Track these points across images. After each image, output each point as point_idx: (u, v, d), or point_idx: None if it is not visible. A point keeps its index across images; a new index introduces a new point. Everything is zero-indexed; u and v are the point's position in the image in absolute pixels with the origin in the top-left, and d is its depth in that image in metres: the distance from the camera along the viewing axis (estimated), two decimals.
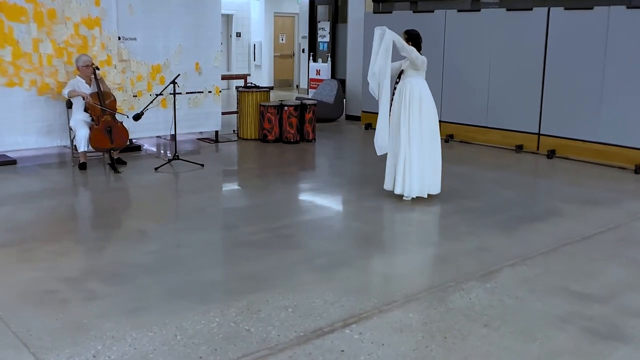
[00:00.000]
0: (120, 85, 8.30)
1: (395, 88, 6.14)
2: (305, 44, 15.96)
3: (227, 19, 17.07)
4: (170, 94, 7.62)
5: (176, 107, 8.54)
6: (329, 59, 13.96)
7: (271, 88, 17.42)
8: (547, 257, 4.84)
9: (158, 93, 7.84)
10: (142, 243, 4.99)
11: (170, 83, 7.52)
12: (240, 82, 11.73)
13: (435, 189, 6.25)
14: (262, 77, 17.36)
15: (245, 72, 17.40)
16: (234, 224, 5.57)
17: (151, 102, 7.53)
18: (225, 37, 17.25)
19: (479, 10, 9.36)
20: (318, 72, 13.02)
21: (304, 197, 6.75)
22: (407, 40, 6.03)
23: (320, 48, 15.58)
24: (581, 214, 6.08)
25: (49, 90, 7.71)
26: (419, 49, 6.11)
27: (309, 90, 13.21)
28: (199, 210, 5.99)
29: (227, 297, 3.98)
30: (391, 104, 6.05)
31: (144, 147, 8.89)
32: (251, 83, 10.49)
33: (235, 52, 17.30)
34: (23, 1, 7.40)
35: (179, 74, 7.82)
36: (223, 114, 9.68)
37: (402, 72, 6.16)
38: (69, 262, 4.53)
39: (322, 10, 15.63)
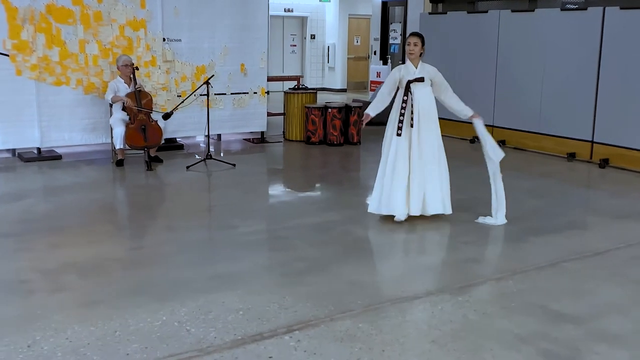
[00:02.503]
0: (164, 85, 8.58)
1: (405, 101, 5.57)
2: (377, 46, 15.83)
3: (302, 21, 17.24)
4: (202, 95, 7.79)
5: (221, 107, 8.88)
6: (389, 61, 13.75)
7: (344, 90, 17.50)
8: (541, 272, 4.52)
9: (190, 93, 8.03)
10: (133, 238, 5.13)
11: (204, 83, 7.67)
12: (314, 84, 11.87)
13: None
14: (336, 79, 17.39)
15: (319, 74, 17.54)
16: (234, 224, 5.58)
17: (182, 102, 7.72)
18: (300, 39, 17.43)
19: (533, 11, 8.90)
20: (378, 74, 12.86)
21: (320, 200, 6.70)
22: (423, 45, 5.69)
23: (391, 50, 15.39)
24: (607, 227, 5.64)
25: (94, 90, 8.09)
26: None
27: (370, 92, 13.11)
28: (208, 208, 6.07)
29: (186, 296, 3.99)
30: (401, 117, 5.57)
31: (201, 144, 9.13)
32: (303, 85, 10.51)
33: (309, 54, 17.42)
34: (70, 4, 7.81)
35: (212, 75, 7.98)
36: (270, 115, 9.77)
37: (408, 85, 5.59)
38: (57, 253, 4.71)
39: (393, 11, 15.43)
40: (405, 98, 5.53)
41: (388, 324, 3.68)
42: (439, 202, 5.60)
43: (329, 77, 17.58)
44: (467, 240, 5.20)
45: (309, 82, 17.46)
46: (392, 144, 5.63)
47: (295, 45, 17.34)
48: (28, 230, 5.23)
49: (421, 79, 5.55)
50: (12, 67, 7.62)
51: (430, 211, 5.59)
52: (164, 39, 8.49)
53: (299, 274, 4.42)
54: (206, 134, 8.97)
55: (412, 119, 5.51)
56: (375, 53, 16.07)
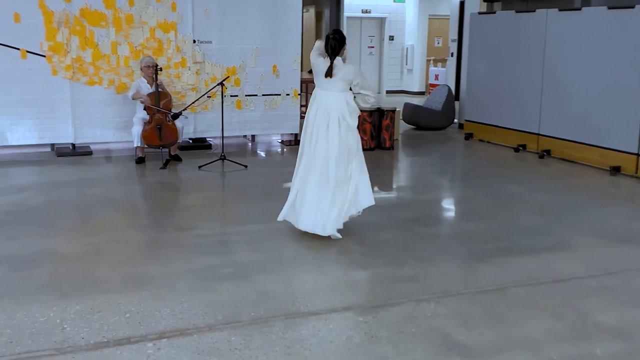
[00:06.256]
0: (194, 86, 8.75)
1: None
2: (454, 48, 15.26)
3: (381, 22, 16.96)
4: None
5: (252, 108, 9.11)
6: (448, 63, 13.19)
7: (422, 93, 17.03)
8: (477, 297, 4.13)
9: (202, 95, 8.14)
10: (88, 235, 5.25)
11: (218, 84, 7.74)
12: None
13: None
14: (413, 81, 16.95)
15: (397, 76, 17.21)
16: (194, 226, 5.54)
17: (193, 102, 7.82)
18: (378, 40, 17.16)
19: (580, 9, 8.17)
20: (437, 77, 12.38)
21: None
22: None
23: None
24: (597, 252, 5.05)
25: (125, 89, 8.37)
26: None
27: (427, 95, 12.68)
28: (185, 208, 6.12)
29: (90, 294, 4.02)
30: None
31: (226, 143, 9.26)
32: None
33: (387, 56, 17.10)
34: (103, 7, 8.16)
35: (228, 76, 8.03)
36: None
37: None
38: (7, 245, 4.90)
39: None
40: None
41: (262, 339, 3.50)
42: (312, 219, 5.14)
43: (407, 79, 17.17)
44: (422, 256, 4.86)
45: (387, 85, 17.19)
46: None
47: (373, 47, 17.08)
48: (2, 221, 5.50)
49: None
50: (48, 68, 8.09)
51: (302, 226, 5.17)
52: (194, 41, 8.66)
53: (216, 280, 4.32)
54: (238, 134, 9.22)
55: None
56: (452, 55, 15.51)
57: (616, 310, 3.94)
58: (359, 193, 5.24)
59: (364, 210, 5.36)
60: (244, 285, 4.25)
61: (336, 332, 3.62)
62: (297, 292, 4.17)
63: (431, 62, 16.25)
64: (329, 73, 5.06)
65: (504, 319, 3.83)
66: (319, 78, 5.19)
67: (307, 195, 5.13)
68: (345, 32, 15.80)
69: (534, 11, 8.82)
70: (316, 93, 5.24)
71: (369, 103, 5.23)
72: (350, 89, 5.18)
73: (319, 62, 5.17)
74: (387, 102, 13.92)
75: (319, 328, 3.65)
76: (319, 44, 5.25)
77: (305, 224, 5.14)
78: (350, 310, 3.91)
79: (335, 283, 4.41)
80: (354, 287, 4.32)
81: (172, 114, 7.65)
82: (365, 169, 5.30)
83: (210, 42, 8.77)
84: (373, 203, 5.30)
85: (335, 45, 5.05)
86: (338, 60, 5.10)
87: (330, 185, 5.07)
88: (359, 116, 8.85)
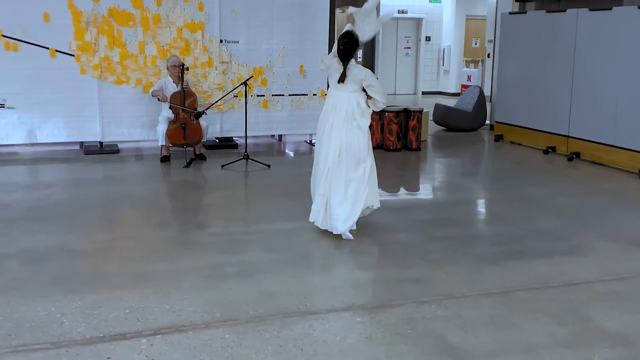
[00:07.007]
0: (221, 85, 8.82)
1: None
2: (491, 49, 15.02)
3: (417, 22, 16.81)
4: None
5: (278, 108, 9.15)
6: (481, 64, 12.98)
7: (457, 94, 16.80)
8: (480, 300, 4.05)
9: (227, 92, 8.20)
10: (104, 231, 5.34)
11: (241, 84, 7.78)
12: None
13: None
14: (450, 82, 16.73)
15: (434, 77, 17.03)
16: (209, 224, 5.60)
17: (216, 102, 7.87)
18: (415, 41, 17.01)
19: (611, 9, 7.93)
20: (469, 78, 12.20)
21: None
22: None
23: None
24: (610, 256, 4.91)
25: None
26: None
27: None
28: (203, 207, 6.17)
29: (94, 290, 4.08)
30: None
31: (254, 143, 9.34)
32: None
33: (423, 57, 16.92)
34: (131, 7, 8.30)
35: (251, 76, 8.06)
36: None
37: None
38: (25, 240, 5.01)
39: None
40: None
41: (255, 337, 3.50)
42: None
43: (443, 80, 16.98)
44: (432, 258, 4.79)
45: (423, 86, 17.03)
46: None
47: (409, 48, 16.94)
48: (23, 217, 5.64)
49: None
50: (76, 67, 8.26)
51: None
52: (221, 41, 8.74)
53: (221, 278, 4.34)
54: (264, 134, 9.28)
55: None
56: (489, 56, 15.26)
57: (622, 316, 3.81)
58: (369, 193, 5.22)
59: (379, 211, 5.37)
60: (248, 284, 4.26)
61: (331, 332, 3.59)
62: (300, 292, 4.15)
63: (463, 63, 16.04)
64: (342, 79, 5.08)
65: (504, 322, 3.74)
66: (332, 79, 5.21)
67: (316, 194, 5.16)
68: (380, 33, 15.57)
69: (565, 11, 8.61)
70: (329, 93, 5.27)
71: (379, 108, 5.19)
72: (364, 90, 5.16)
73: (333, 64, 5.18)
74: (422, 103, 13.83)
75: (315, 328, 3.63)
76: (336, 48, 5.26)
77: (321, 223, 5.19)
78: (349, 310, 3.88)
79: (341, 283, 4.38)
80: (358, 288, 4.29)
81: (194, 113, 7.72)
82: (375, 170, 5.26)
83: (237, 42, 8.83)
84: (379, 205, 5.29)
85: (346, 52, 5.06)
86: (351, 63, 5.09)
87: (339, 185, 5.05)
88: (385, 117, 8.90)
